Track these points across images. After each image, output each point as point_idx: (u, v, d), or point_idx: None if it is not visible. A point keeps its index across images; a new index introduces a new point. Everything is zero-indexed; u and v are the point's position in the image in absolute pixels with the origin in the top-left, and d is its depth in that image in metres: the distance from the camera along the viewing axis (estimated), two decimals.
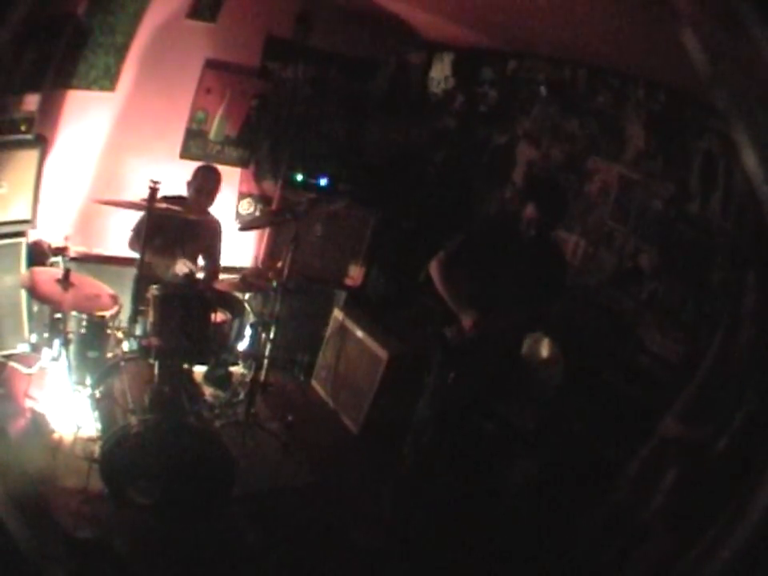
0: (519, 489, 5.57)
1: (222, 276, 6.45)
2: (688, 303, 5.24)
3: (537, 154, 6.70)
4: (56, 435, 5.23)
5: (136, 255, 5.68)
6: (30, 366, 5.75)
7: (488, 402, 5.57)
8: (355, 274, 7.58)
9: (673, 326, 5.35)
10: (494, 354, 5.16)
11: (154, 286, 5.35)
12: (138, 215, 5.72)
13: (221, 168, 6.40)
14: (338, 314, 7.18)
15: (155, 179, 5.00)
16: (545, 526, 5.06)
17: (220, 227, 6.28)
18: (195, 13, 6.51)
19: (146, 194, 5.01)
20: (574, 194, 6.24)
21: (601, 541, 4.48)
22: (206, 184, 6.05)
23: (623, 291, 5.79)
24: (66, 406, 5.33)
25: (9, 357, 6.00)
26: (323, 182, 7.35)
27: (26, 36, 5.24)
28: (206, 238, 6.17)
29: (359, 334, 6.79)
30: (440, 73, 7.66)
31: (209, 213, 6.17)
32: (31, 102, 5.78)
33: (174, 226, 5.86)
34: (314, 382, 7.36)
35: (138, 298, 5.24)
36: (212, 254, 6.33)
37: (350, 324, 6.96)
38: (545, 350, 5.82)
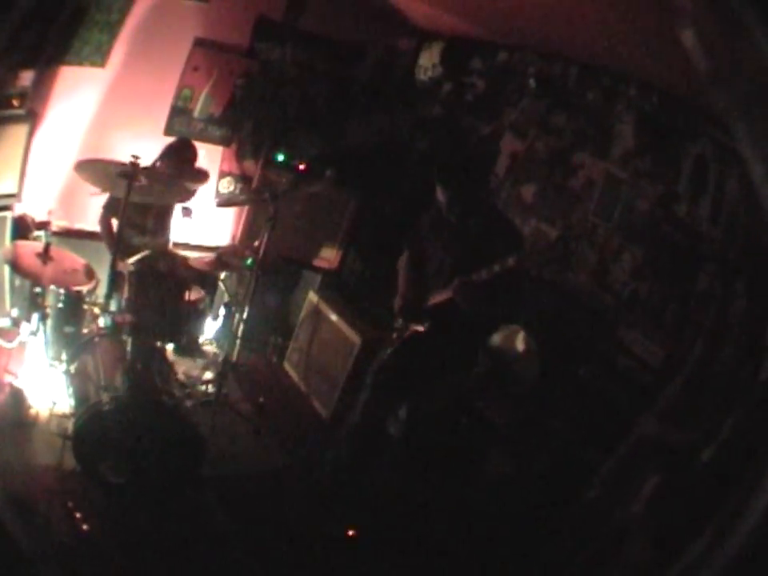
0: (492, 484, 5.56)
1: (198, 254, 6.40)
2: (670, 306, 5.22)
3: (521, 146, 6.67)
4: (33, 411, 5.23)
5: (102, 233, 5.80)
6: (10, 341, 5.71)
7: (461, 396, 5.59)
8: (332, 256, 7.55)
9: (654, 327, 5.33)
10: (454, 343, 5.18)
11: (130, 262, 5.31)
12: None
13: (204, 146, 6.37)
14: (312, 296, 7.14)
15: (136, 154, 4.96)
16: (518, 522, 5.07)
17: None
18: None
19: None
20: (557, 188, 6.23)
21: (576, 539, 4.49)
22: (191, 156, 6.09)
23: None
24: (43, 382, 5.31)
25: None
26: (304, 163, 7.28)
27: (27, 14, 5.20)
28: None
29: (333, 317, 6.76)
30: (428, 61, 7.62)
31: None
32: (25, 77, 5.78)
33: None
34: (286, 365, 7.33)
35: (114, 273, 5.20)
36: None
37: (324, 307, 6.93)
38: (520, 344, 5.82)
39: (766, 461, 1.74)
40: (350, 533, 5.10)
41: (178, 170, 5.92)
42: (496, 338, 5.84)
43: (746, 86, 1.49)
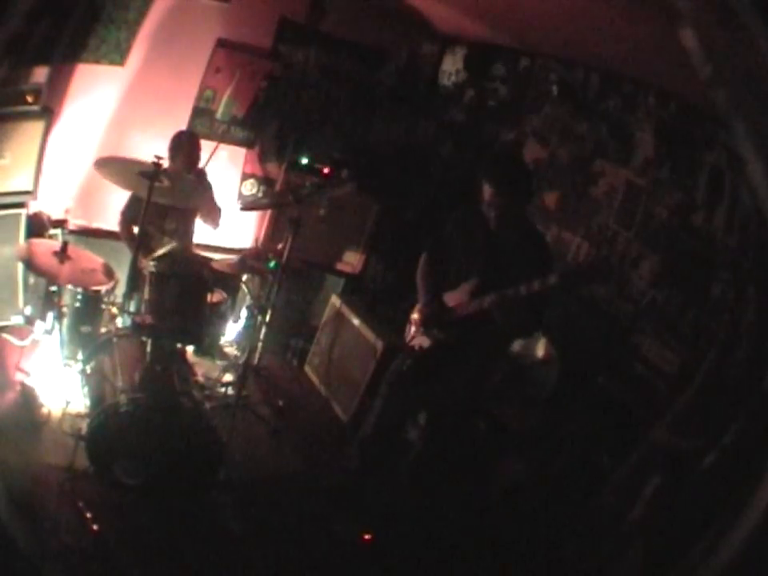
0: (507, 490, 5.54)
1: (221, 256, 6.40)
2: (687, 314, 5.18)
3: (544, 153, 6.65)
4: (45, 410, 5.21)
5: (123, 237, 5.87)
6: (22, 339, 5.72)
7: (478, 402, 5.56)
8: (355, 261, 7.55)
9: (670, 335, 5.29)
10: (477, 354, 5.16)
11: (151, 263, 5.31)
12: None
13: (227, 148, 6.39)
14: (335, 300, 7.14)
15: (159, 155, 4.97)
16: (531, 528, 5.04)
17: (206, 178, 6.29)
18: None
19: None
20: (579, 196, 6.20)
21: (586, 545, 4.46)
22: (195, 148, 6.11)
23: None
24: (57, 381, 5.30)
25: (2, 328, 5.97)
26: (328, 167, 7.28)
27: (39, 8, 5.21)
28: (197, 197, 6.11)
29: (355, 321, 6.75)
30: (451, 66, 7.61)
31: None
32: (40, 73, 5.76)
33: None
34: (306, 368, 7.33)
35: (135, 274, 5.20)
36: (210, 205, 6.32)
37: (346, 311, 6.93)
38: (540, 350, 5.79)
39: (765, 466, 1.73)
40: (366, 537, 5.09)
41: (187, 165, 5.95)
42: (516, 344, 5.81)
43: (745, 86, 1.48)
